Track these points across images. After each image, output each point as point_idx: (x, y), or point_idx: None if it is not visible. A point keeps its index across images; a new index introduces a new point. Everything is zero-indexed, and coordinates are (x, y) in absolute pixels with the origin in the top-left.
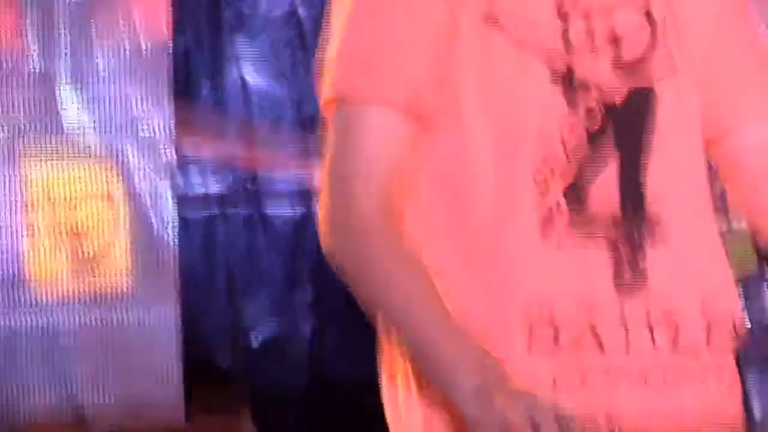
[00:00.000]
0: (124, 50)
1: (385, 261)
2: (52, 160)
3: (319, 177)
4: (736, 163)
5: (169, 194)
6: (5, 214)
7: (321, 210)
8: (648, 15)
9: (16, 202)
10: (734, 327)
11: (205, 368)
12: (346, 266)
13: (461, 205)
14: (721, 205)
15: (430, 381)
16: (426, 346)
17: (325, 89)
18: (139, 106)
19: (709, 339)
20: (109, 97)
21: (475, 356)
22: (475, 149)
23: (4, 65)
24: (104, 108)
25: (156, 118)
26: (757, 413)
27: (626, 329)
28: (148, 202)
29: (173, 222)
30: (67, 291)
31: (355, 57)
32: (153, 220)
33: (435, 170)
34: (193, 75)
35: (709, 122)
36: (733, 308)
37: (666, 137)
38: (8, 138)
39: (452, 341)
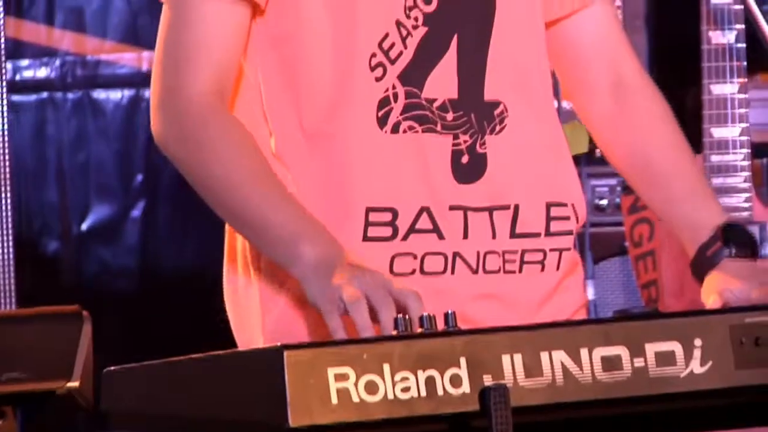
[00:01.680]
0: None
1: (219, 145)
2: None
3: (153, 63)
4: (569, 44)
5: None
6: None
7: (152, 96)
8: None
9: None
10: (574, 211)
11: (34, 254)
12: (178, 152)
13: (299, 89)
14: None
15: (268, 259)
16: (265, 223)
17: None
18: None
19: (549, 223)
20: None
21: (316, 231)
22: (312, 33)
23: None
24: None
25: None
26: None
27: (465, 214)
28: None
29: (3, 107)
30: None
31: None
32: None
33: (271, 54)
34: None
35: (547, 5)
36: (572, 192)
37: (507, 17)
38: None
39: (292, 217)
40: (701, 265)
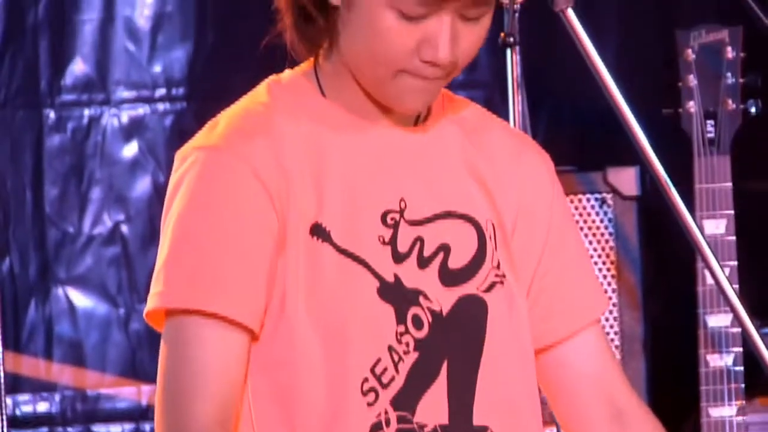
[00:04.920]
0: None
1: None
2: None
3: (155, 392)
4: (560, 372)
5: None
6: None
7: (157, 430)
8: (475, 224)
9: None
10: None
11: None
12: None
13: (292, 414)
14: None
15: None
16: None
17: (151, 299)
18: None
19: None
20: None
21: None
22: (304, 359)
23: None
24: None
25: None
26: None
27: None
28: None
29: None
30: None
31: (182, 266)
32: None
33: (263, 379)
34: (19, 296)
35: (538, 333)
36: None
37: (496, 345)
38: None
39: None
40: None
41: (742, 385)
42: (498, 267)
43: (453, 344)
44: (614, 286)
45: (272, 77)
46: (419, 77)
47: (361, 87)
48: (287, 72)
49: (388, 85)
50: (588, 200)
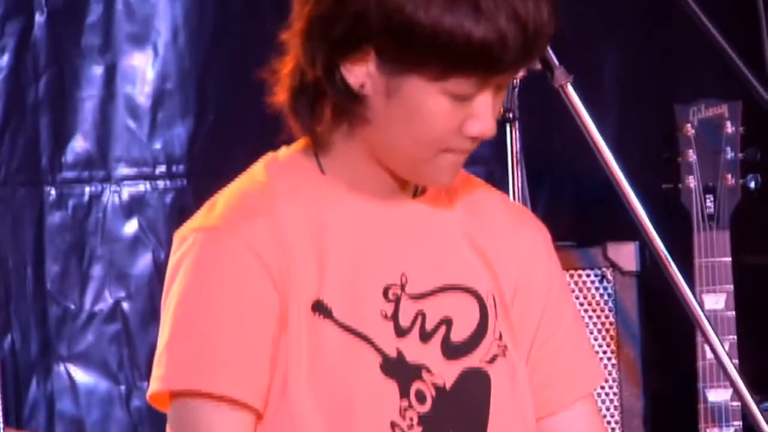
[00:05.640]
0: None
1: None
2: None
3: None
4: None
5: None
6: None
7: None
8: (477, 296)
9: None
10: None
11: None
12: None
13: None
14: None
15: None
16: None
17: (154, 382)
18: None
19: None
20: None
21: None
22: None
23: None
24: None
25: None
26: None
27: None
28: None
29: None
30: None
31: (184, 349)
32: None
33: None
34: (20, 373)
35: (534, 403)
36: None
37: (500, 418)
38: None
39: None
40: None
41: None
42: (500, 338)
43: (457, 418)
44: (614, 361)
45: (268, 155)
46: (458, 152)
47: (382, 167)
48: (283, 150)
49: (426, 165)
50: (588, 276)
